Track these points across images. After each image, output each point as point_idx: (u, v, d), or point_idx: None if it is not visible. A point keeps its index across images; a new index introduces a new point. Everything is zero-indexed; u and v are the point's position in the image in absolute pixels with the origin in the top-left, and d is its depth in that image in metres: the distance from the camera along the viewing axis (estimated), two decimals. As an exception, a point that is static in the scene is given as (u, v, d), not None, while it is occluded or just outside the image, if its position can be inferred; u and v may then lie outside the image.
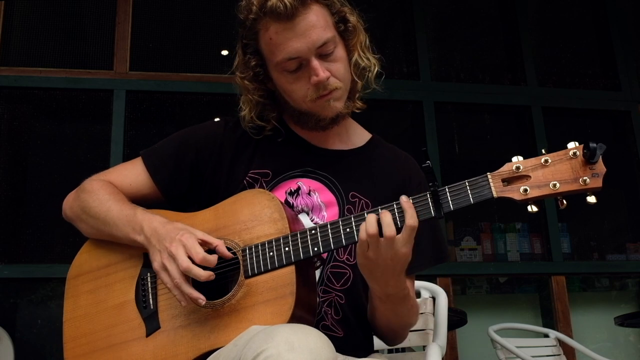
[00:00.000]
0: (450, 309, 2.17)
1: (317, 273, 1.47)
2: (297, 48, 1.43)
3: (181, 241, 1.33)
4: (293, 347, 1.07)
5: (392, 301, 1.40)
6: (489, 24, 5.31)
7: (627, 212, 5.00)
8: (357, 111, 1.60)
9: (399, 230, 1.27)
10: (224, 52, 4.63)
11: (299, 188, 1.54)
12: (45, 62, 4.16)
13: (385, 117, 4.86)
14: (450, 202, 1.27)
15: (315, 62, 1.45)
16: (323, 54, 1.46)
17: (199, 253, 1.31)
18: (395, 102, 4.52)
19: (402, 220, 1.27)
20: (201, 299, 1.31)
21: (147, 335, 1.41)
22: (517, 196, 1.25)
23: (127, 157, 3.92)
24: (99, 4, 4.44)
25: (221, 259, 1.37)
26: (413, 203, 1.29)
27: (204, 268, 1.31)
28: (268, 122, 1.59)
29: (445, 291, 2.04)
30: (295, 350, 1.06)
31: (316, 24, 1.44)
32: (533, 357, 3.15)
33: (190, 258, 1.31)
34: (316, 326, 1.35)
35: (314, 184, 1.55)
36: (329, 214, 1.52)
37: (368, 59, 1.56)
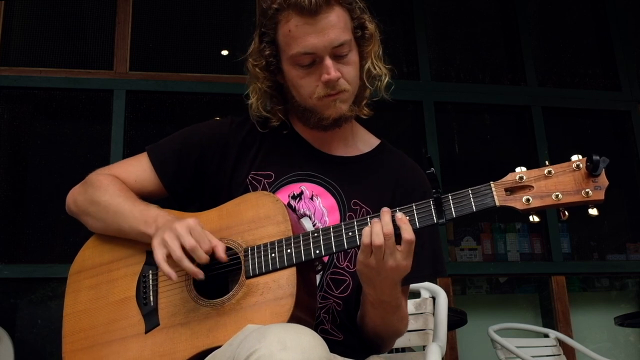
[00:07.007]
0: (450, 309, 2.17)
1: (317, 278, 1.47)
2: (314, 44, 1.46)
3: (189, 226, 1.34)
4: (285, 347, 1.06)
5: (384, 308, 1.41)
6: (489, 24, 5.31)
7: (627, 212, 4.99)
8: (364, 117, 1.63)
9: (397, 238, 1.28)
10: (224, 52, 4.64)
11: (302, 192, 1.55)
12: (45, 62, 4.15)
13: (385, 117, 4.84)
14: (452, 209, 1.29)
15: (329, 61, 1.47)
16: (337, 55, 1.49)
17: (207, 242, 1.33)
18: (395, 102, 4.50)
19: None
20: (200, 273, 1.32)
21: (146, 331, 1.41)
22: (519, 206, 1.25)
23: (127, 157, 3.91)
24: (99, 4, 4.44)
25: None
26: (415, 209, 1.30)
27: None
28: (274, 114, 1.61)
29: (445, 291, 2.04)
30: (287, 350, 1.06)
31: (336, 25, 1.47)
32: (533, 357, 3.15)
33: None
34: (315, 330, 1.35)
35: (317, 189, 1.56)
36: (331, 220, 1.53)
37: (380, 67, 1.59)
